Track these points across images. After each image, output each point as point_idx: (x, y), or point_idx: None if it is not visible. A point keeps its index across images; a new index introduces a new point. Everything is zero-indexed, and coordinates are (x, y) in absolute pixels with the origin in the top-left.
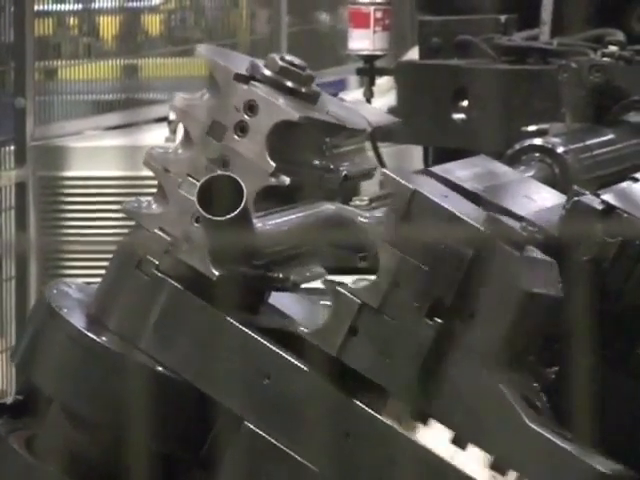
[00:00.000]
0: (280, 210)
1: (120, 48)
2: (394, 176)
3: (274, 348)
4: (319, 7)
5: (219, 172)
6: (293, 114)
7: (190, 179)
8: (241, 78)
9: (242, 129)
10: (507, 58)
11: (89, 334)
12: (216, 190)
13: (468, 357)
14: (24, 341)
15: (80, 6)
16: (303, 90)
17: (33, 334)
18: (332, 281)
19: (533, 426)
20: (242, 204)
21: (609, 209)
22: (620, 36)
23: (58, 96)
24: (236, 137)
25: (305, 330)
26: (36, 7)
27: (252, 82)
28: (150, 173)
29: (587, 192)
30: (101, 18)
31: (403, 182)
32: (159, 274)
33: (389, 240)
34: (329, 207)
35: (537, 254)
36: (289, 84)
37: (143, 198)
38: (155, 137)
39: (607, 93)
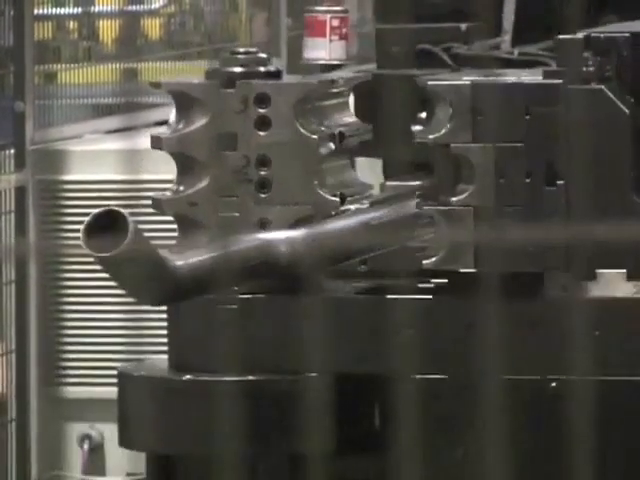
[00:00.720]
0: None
1: (120, 52)
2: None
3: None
4: None
5: (102, 209)
6: (312, 82)
7: (224, 199)
8: (228, 83)
9: (263, 122)
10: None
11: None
12: (105, 224)
13: None
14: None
15: (80, 10)
16: (271, 69)
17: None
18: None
19: None
20: (127, 239)
21: None
22: None
23: (58, 100)
24: (261, 133)
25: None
26: (35, 11)
27: (242, 81)
28: (149, 177)
29: None
30: (101, 22)
31: (457, 83)
32: None
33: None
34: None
35: None
36: (262, 69)
37: None
38: None
39: None
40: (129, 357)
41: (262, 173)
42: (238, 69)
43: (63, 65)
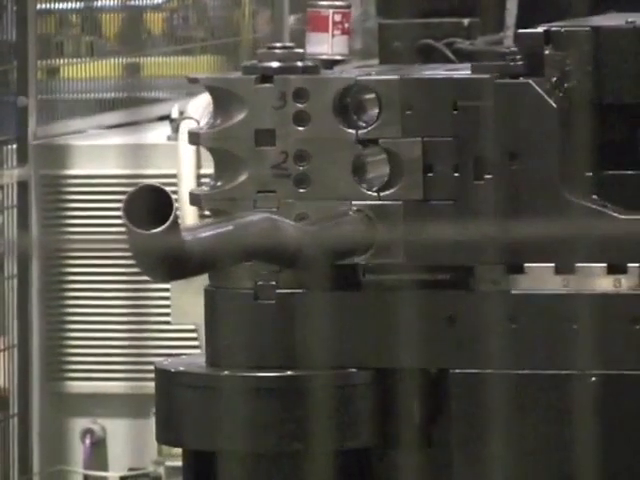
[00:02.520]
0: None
1: (122, 47)
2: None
3: None
4: None
5: (143, 184)
6: (350, 77)
7: (262, 195)
8: (265, 78)
9: (302, 117)
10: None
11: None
12: (143, 202)
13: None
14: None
15: (82, 4)
16: (309, 64)
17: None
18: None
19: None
20: (172, 214)
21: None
22: None
23: (60, 95)
24: (299, 128)
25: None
26: (38, 6)
27: (280, 76)
28: (152, 172)
29: None
30: (103, 16)
31: (385, 78)
32: None
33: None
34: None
35: None
36: (299, 63)
37: None
38: (157, 136)
39: None
40: (131, 352)
41: (301, 168)
42: (275, 64)
43: (66, 60)
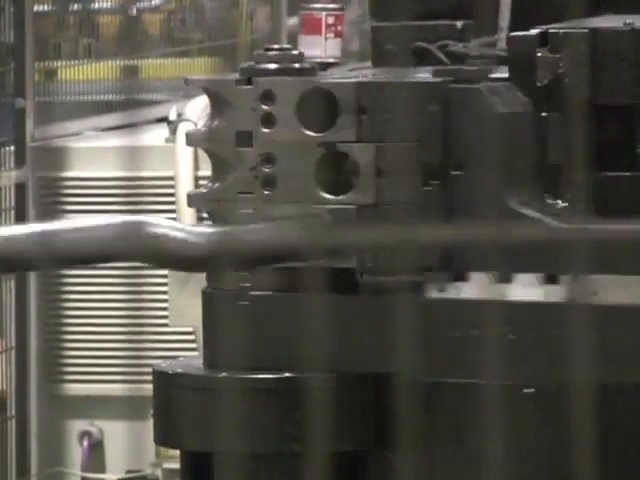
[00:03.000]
0: None
1: (120, 48)
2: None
3: None
4: None
5: None
6: (310, 81)
7: (244, 196)
8: (241, 81)
9: (268, 120)
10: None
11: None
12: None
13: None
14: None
15: (80, 6)
16: (300, 66)
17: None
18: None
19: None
20: None
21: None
22: None
23: (58, 97)
24: (266, 130)
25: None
26: (36, 8)
27: (254, 79)
28: (149, 174)
29: None
30: (101, 18)
31: (342, 81)
32: None
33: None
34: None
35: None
36: (286, 65)
37: None
38: (155, 138)
39: None
40: (129, 354)
41: (267, 171)
42: (270, 65)
43: (63, 62)
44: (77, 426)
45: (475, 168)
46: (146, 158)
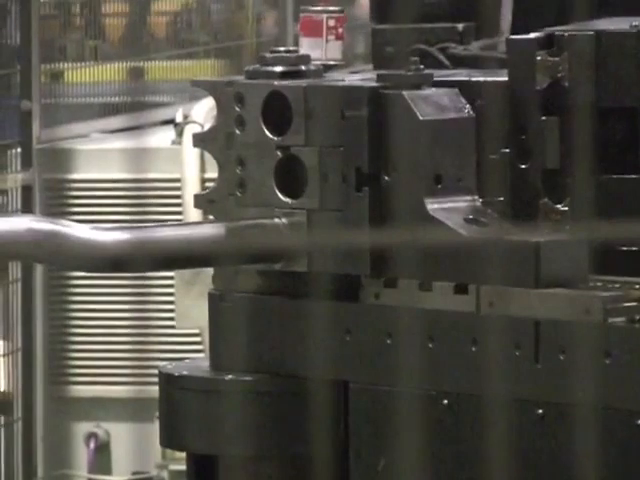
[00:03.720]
0: None
1: (126, 51)
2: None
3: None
4: None
5: None
6: (272, 84)
7: (232, 197)
8: (229, 83)
9: (239, 122)
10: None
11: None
12: None
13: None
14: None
15: (87, 9)
16: (303, 68)
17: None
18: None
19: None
20: None
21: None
22: None
23: (64, 99)
24: (238, 132)
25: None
26: (42, 10)
27: (231, 81)
28: (155, 175)
29: None
30: (107, 20)
31: (293, 84)
32: None
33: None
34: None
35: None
36: (279, 68)
37: None
38: (161, 140)
39: None
40: (135, 356)
41: (237, 173)
42: (277, 68)
43: (69, 64)
44: (83, 428)
45: (400, 174)
46: (152, 160)
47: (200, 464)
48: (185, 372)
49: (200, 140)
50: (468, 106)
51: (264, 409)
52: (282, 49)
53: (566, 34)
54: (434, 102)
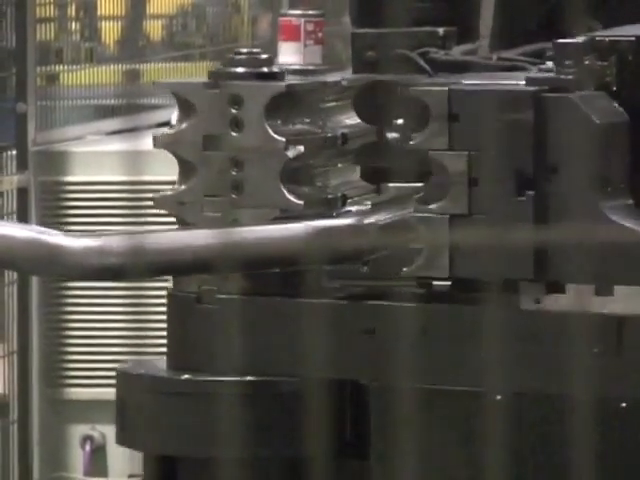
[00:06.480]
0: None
1: (122, 53)
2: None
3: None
4: None
5: None
6: (280, 85)
7: (210, 199)
8: (209, 85)
9: (236, 124)
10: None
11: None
12: None
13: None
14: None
15: (82, 11)
16: (266, 70)
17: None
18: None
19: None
20: None
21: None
22: None
23: (60, 101)
24: (234, 134)
25: (407, 269)
26: (38, 13)
27: (220, 82)
28: (151, 178)
29: None
30: (103, 23)
31: (434, 88)
32: None
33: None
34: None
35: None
36: (251, 69)
37: None
38: None
39: None
40: (131, 358)
41: (234, 174)
42: (237, 69)
43: (65, 66)
44: (79, 430)
45: (570, 177)
46: (148, 162)
47: (161, 466)
48: (142, 371)
49: (166, 143)
50: (621, 109)
51: (222, 410)
52: (245, 50)
53: (607, 39)
54: (597, 106)
